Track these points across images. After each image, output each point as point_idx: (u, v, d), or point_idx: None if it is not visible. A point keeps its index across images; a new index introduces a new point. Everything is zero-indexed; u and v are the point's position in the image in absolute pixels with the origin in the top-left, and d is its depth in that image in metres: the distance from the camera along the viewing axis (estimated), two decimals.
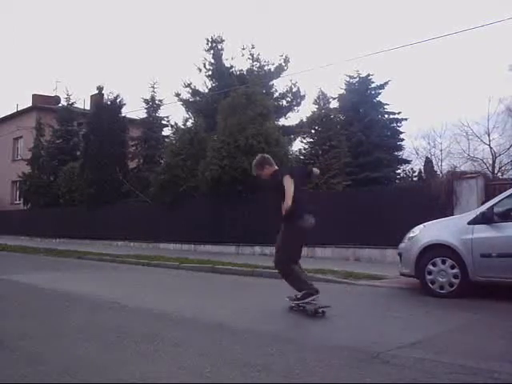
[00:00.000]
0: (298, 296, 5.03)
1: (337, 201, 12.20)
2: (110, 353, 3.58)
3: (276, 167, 5.40)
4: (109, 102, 20.73)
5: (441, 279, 5.99)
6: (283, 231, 5.13)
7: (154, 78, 28.08)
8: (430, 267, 6.07)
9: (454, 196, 9.98)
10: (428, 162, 22.06)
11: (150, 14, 68.35)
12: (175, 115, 52.43)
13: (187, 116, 20.19)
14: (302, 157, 15.14)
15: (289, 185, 4.80)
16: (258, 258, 11.93)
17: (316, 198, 12.85)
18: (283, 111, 20.51)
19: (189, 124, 18.29)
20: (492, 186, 9.88)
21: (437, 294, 5.96)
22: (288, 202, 4.73)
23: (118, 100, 20.76)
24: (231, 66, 20.33)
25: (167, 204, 16.03)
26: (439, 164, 27.40)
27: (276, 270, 5.34)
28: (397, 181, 16.99)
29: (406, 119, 17.99)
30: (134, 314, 5.12)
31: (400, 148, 18.03)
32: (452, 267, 5.93)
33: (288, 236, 5.08)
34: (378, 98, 17.60)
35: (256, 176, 5.56)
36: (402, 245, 6.79)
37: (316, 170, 5.72)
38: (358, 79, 17.58)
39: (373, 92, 17.66)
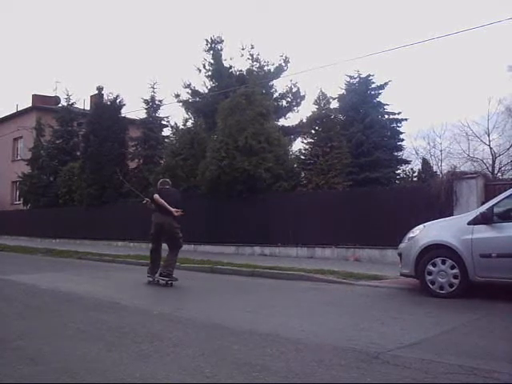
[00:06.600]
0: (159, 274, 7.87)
1: (337, 201, 12.20)
2: (110, 353, 3.57)
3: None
4: (109, 103, 20.69)
5: (441, 279, 5.99)
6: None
7: (153, 78, 27.90)
8: (430, 267, 6.08)
9: (453, 196, 9.99)
10: (425, 163, 22.11)
11: (149, 15, 68.42)
12: (175, 116, 52.27)
13: (187, 116, 20.12)
14: (302, 157, 15.09)
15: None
16: (257, 258, 11.94)
17: (316, 198, 13.00)
18: (283, 111, 20.46)
19: (189, 124, 18.26)
20: (492, 186, 9.90)
21: (437, 295, 5.97)
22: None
23: (117, 100, 20.72)
24: (231, 67, 20.30)
25: None
26: (439, 164, 27.43)
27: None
28: (397, 181, 16.91)
29: (406, 119, 17.90)
30: (134, 314, 5.13)
31: (400, 148, 17.95)
32: (452, 267, 5.93)
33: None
34: (378, 99, 17.54)
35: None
36: (402, 245, 6.80)
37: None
38: (358, 79, 17.51)
39: (373, 92, 17.58)
